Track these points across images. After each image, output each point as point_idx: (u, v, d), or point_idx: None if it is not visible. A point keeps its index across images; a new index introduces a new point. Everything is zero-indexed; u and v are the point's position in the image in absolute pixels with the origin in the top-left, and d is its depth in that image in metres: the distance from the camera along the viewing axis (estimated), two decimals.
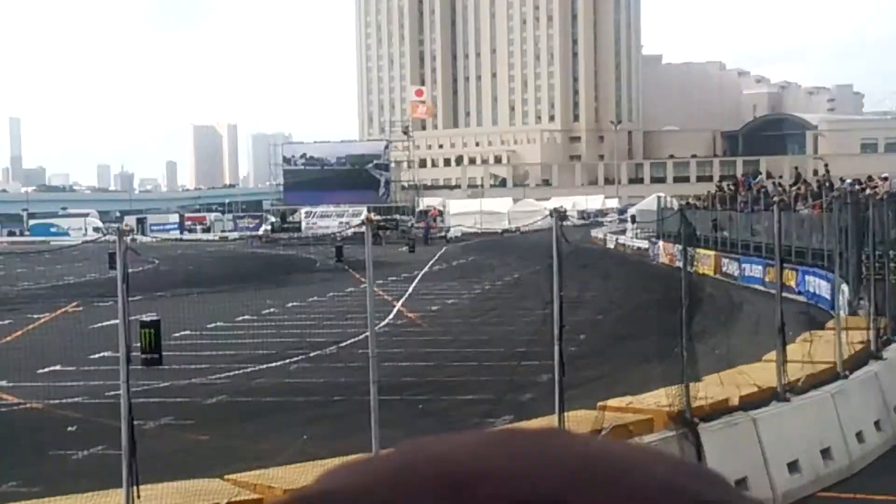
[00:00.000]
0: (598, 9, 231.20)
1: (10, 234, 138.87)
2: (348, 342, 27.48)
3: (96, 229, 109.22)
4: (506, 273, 52.10)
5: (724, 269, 45.81)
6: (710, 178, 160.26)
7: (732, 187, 52.46)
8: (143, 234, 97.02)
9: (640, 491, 0.85)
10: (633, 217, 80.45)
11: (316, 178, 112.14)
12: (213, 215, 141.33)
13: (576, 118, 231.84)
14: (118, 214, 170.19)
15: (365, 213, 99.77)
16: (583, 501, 0.82)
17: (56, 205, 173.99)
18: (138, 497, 11.14)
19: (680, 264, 16.34)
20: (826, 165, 51.16)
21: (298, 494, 0.90)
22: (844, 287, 28.46)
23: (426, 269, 53.04)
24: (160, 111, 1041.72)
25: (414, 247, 73.80)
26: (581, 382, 19.38)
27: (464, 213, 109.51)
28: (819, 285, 34.18)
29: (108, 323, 24.22)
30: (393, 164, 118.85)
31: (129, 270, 11.78)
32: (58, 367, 24.61)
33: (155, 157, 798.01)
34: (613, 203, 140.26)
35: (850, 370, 17.68)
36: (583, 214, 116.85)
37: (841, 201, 31.20)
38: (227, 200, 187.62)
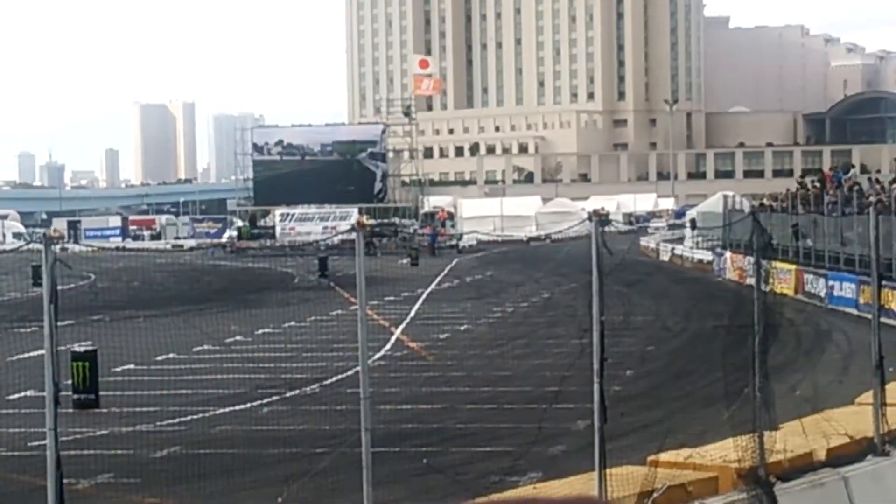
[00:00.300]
0: None
1: None
2: (334, 379, 27.47)
3: (17, 235, 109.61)
4: (533, 292, 52.12)
5: (807, 287, 45.77)
6: (789, 173, 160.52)
7: (818, 184, 52.42)
8: (77, 241, 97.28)
9: None
10: (692, 222, 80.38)
11: (294, 172, 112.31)
12: (164, 218, 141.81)
13: (621, 96, 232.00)
14: (44, 217, 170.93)
15: (355, 215, 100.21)
16: None
17: None
18: None
19: (752, 281, 16.32)
20: None
21: None
22: None
23: (432, 286, 53.08)
24: (98, 86, 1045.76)
25: (417, 258, 73.88)
26: (627, 431, 19.39)
27: (480, 216, 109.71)
28: None
29: (30, 354, 24.23)
30: (391, 154, 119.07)
31: (59, 287, 11.80)
32: None
33: (91, 143, 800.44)
34: (668, 204, 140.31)
35: None
36: (630, 218, 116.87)
37: None
38: (181, 199, 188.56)
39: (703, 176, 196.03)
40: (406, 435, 21.36)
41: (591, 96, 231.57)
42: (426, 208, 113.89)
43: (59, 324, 11.55)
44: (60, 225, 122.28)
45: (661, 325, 39.38)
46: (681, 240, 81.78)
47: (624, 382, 25.44)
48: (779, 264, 44.77)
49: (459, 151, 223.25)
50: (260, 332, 38.07)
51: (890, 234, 36.76)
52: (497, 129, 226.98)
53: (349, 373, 26.53)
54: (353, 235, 13.56)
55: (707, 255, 65.60)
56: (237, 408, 24.95)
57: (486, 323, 41.54)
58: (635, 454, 15.83)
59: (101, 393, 25.40)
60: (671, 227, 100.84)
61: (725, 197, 64.63)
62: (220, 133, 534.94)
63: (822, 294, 43.71)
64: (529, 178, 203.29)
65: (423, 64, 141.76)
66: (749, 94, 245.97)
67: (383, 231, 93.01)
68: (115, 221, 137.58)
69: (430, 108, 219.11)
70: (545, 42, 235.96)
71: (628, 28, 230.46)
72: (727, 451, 14.70)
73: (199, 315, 42.89)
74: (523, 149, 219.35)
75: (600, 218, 14.22)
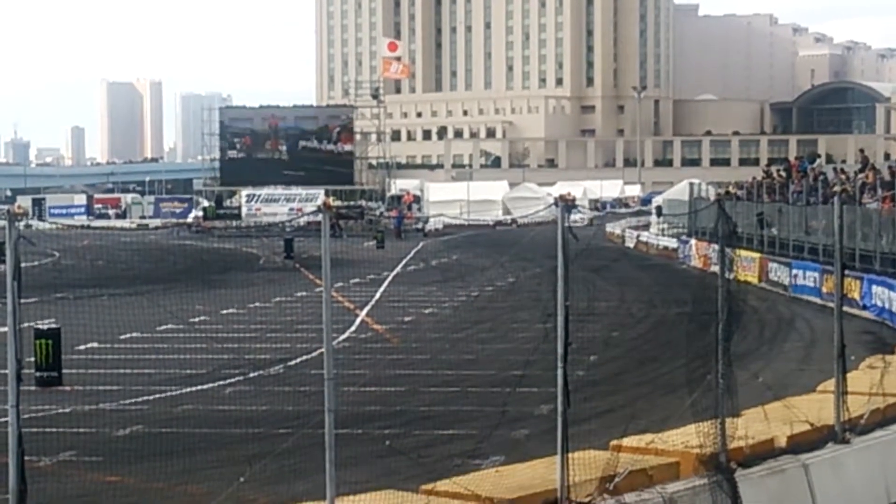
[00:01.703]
0: None
1: None
2: (298, 360, 27.45)
3: None
4: (498, 276, 52.12)
5: (771, 275, 45.97)
6: (755, 161, 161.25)
7: (783, 173, 52.63)
8: (41, 218, 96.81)
9: None
10: (658, 209, 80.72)
11: (261, 155, 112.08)
12: (129, 197, 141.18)
13: (589, 82, 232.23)
14: (9, 193, 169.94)
15: (321, 197, 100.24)
16: None
17: None
18: None
19: (716, 269, 16.37)
20: None
21: None
22: None
23: (398, 269, 53.04)
24: (64, 64, 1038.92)
25: (383, 241, 73.89)
26: (590, 416, 19.43)
27: (446, 200, 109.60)
28: (889, 298, 34.32)
29: None
30: (359, 137, 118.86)
31: (22, 265, 11.74)
32: None
33: (57, 121, 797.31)
34: (635, 190, 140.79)
35: None
36: (596, 204, 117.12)
37: None
38: (147, 178, 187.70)
39: (669, 163, 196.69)
40: (369, 417, 21.35)
41: (559, 82, 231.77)
42: (393, 191, 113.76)
43: (22, 301, 11.49)
44: (25, 202, 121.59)
45: (626, 310, 39.50)
46: (647, 226, 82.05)
47: (588, 367, 25.47)
48: (743, 252, 45.04)
49: (427, 135, 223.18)
50: (225, 312, 38.00)
51: (854, 223, 36.99)
52: (465, 113, 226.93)
53: (313, 354, 26.51)
54: (319, 217, 13.53)
55: (672, 242, 65.81)
56: (201, 387, 24.90)
57: (451, 306, 41.56)
58: (598, 439, 15.87)
59: (65, 371, 25.32)
60: (642, 212, 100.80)
61: (691, 184, 64.85)
62: (188, 113, 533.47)
63: (786, 282, 43.92)
64: (497, 162, 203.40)
65: (392, 47, 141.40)
66: (717, 83, 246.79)
67: (350, 213, 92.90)
68: (81, 199, 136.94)
69: (398, 90, 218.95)
70: (514, 26, 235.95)
71: (598, 14, 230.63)
72: (689, 437, 14.76)
73: (164, 294, 42.73)
74: (491, 133, 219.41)
75: (566, 203, 14.22)
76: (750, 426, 15.43)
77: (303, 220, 63.67)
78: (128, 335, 31.59)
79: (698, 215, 51.75)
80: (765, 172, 57.12)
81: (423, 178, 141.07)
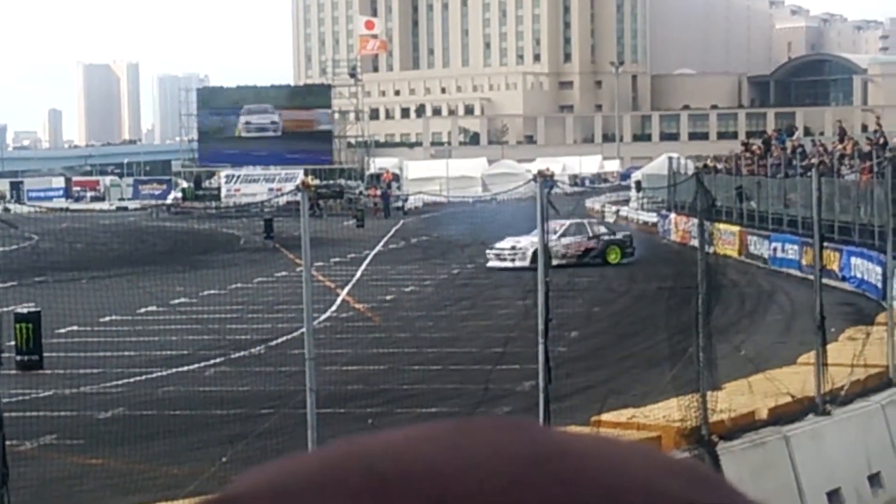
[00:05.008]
0: None
1: None
2: (279, 340, 27.43)
3: None
4: (479, 253, 52.12)
5: (750, 248, 46.06)
6: (734, 135, 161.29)
7: (762, 146, 52.71)
8: (19, 201, 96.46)
9: (610, 492, 0.89)
10: (637, 183, 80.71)
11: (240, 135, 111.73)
12: (108, 179, 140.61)
13: (567, 58, 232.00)
14: None
15: (301, 177, 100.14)
16: (532, 502, 0.85)
17: None
18: None
19: (695, 243, 16.43)
20: (878, 119, 51.48)
21: (204, 501, 0.99)
22: None
23: (378, 247, 53.02)
24: (40, 46, 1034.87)
25: (363, 220, 73.83)
26: (572, 391, 19.48)
27: (425, 177, 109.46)
28: (868, 269, 34.40)
29: None
30: (337, 116, 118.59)
31: (1, 248, 11.72)
32: None
33: (33, 104, 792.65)
34: (614, 166, 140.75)
35: None
36: (575, 180, 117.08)
37: None
38: (126, 160, 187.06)
39: (648, 138, 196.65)
40: (351, 396, 21.37)
41: (537, 58, 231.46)
42: (372, 170, 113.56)
43: (1, 285, 11.48)
44: (3, 186, 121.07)
45: (606, 286, 39.58)
46: (626, 201, 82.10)
47: (569, 343, 25.53)
48: (723, 226, 45.12)
49: (405, 113, 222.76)
50: (205, 293, 37.90)
51: (832, 195, 37.07)
52: (443, 90, 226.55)
53: (294, 334, 26.47)
54: (299, 197, 13.51)
55: (652, 217, 65.88)
56: (182, 369, 24.89)
57: (432, 284, 41.59)
58: (580, 414, 15.92)
59: (45, 354, 25.27)
60: (622, 187, 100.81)
61: (670, 159, 64.88)
62: (165, 94, 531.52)
63: (766, 255, 44.02)
64: (475, 139, 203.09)
65: (369, 25, 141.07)
66: (694, 57, 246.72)
67: (329, 193, 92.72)
68: (59, 182, 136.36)
69: (375, 69, 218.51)
70: (491, 3, 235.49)
71: None
72: (670, 411, 14.80)
73: (144, 276, 42.62)
74: (469, 110, 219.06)
75: (545, 179, 14.21)
76: (731, 399, 15.49)
77: (282, 200, 63.50)
78: (108, 318, 31.50)
79: (677, 189, 51.77)
80: (743, 146, 57.20)
81: (401, 157, 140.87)
